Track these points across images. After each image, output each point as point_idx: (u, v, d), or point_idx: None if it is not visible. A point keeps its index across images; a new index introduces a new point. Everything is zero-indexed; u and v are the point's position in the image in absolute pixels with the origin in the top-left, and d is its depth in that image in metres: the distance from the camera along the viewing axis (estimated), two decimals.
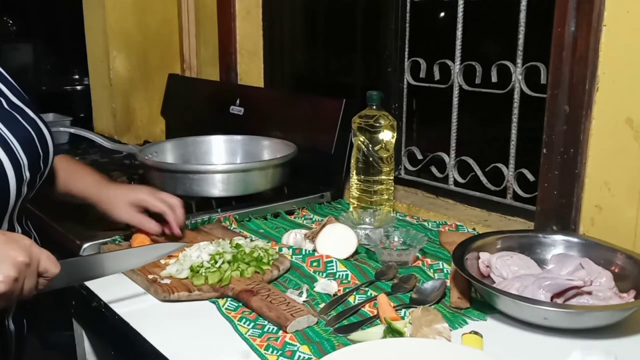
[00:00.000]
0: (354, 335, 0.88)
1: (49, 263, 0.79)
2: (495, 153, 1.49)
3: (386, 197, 1.37)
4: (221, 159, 1.65)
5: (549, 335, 0.90)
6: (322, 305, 0.98)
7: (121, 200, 1.14)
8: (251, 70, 2.01)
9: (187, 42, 2.14)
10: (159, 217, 1.17)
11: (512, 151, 1.43)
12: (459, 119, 1.55)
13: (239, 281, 1.03)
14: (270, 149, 1.59)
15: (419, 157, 1.65)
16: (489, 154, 1.53)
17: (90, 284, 1.06)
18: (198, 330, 0.92)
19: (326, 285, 1.03)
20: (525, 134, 1.42)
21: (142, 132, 2.15)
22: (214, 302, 1.00)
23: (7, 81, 1.02)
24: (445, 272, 1.12)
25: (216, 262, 1.05)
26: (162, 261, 1.10)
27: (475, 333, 0.88)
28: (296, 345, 0.86)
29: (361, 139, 1.35)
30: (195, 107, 2.01)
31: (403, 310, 0.96)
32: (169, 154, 1.59)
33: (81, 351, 1.13)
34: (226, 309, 0.97)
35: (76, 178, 1.16)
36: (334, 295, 1.02)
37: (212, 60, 2.08)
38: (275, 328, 0.91)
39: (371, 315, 0.95)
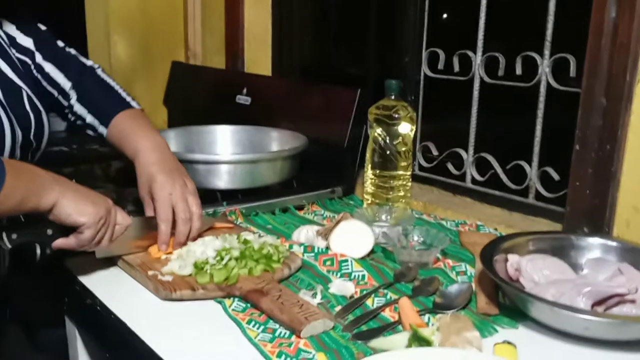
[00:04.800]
0: (375, 343, 0.80)
1: (122, 213, 0.95)
2: (518, 150, 1.41)
3: (402, 193, 1.29)
4: (227, 149, 1.56)
5: (589, 347, 0.81)
6: (338, 309, 0.90)
7: (145, 174, 1.05)
8: (259, 58, 1.92)
9: (192, 28, 2.05)
10: None
11: (536, 148, 1.35)
12: (479, 113, 1.47)
13: (247, 280, 0.94)
14: (278, 141, 1.51)
15: (435, 153, 1.57)
16: (511, 151, 1.44)
17: (84, 279, 0.98)
18: (202, 333, 0.84)
19: (342, 287, 0.95)
20: (550, 130, 1.34)
21: None
22: (219, 302, 0.91)
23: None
24: (469, 274, 1.04)
25: (222, 258, 0.97)
26: (163, 256, 1.02)
27: (509, 343, 0.79)
28: (311, 353, 0.78)
29: (378, 131, 1.27)
30: (200, 96, 1.93)
31: (427, 316, 0.88)
32: (171, 143, 1.50)
33: (73, 352, 1.05)
34: (233, 310, 0.89)
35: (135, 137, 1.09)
36: (351, 297, 0.94)
37: (217, 48, 1.99)
38: (288, 332, 0.83)
39: (392, 320, 0.87)
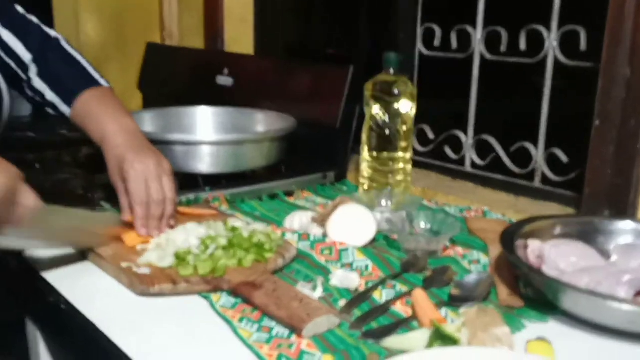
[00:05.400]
0: (389, 342, 0.69)
1: (28, 194, 0.77)
2: (522, 131, 1.31)
3: (402, 177, 1.18)
4: (208, 133, 1.43)
5: (632, 342, 0.71)
6: (342, 303, 0.79)
7: (115, 158, 0.93)
8: (240, 37, 1.79)
9: (168, 7, 1.91)
10: None
11: (543, 129, 1.25)
12: (480, 93, 1.36)
13: (236, 272, 0.82)
14: (265, 123, 1.39)
15: (431, 136, 1.47)
16: (514, 132, 1.35)
17: (47, 274, 0.85)
18: (186, 334, 0.72)
19: (345, 278, 0.83)
20: (557, 109, 1.24)
21: None
22: (205, 298, 0.79)
23: None
24: (483, 263, 0.93)
25: (207, 247, 0.85)
26: (139, 246, 0.89)
27: (543, 340, 0.69)
28: (316, 355, 0.67)
29: (375, 109, 1.15)
30: (177, 79, 1.79)
31: (443, 310, 0.77)
32: (147, 125, 1.38)
33: (35, 357, 0.91)
34: (221, 306, 0.77)
35: (101, 117, 0.97)
36: (355, 290, 0.82)
37: (196, 28, 1.86)
38: (287, 332, 0.71)
39: (406, 316, 0.76)
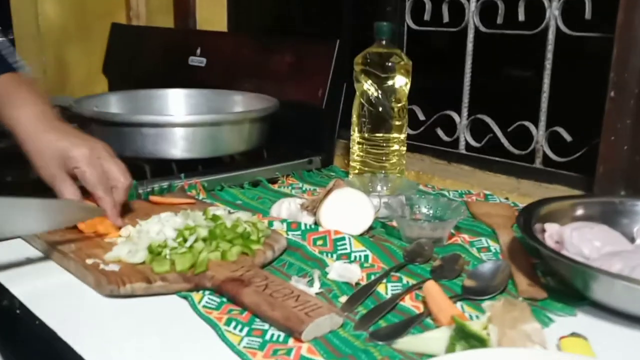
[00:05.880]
0: (402, 344, 0.59)
1: None
2: (520, 110, 1.23)
3: (396, 159, 1.08)
4: (182, 115, 1.31)
5: None
6: (342, 299, 0.69)
7: (48, 149, 0.81)
8: (213, 18, 1.68)
9: None
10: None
11: (544, 106, 1.16)
12: (474, 69, 1.27)
13: (219, 266, 0.72)
14: (243, 104, 1.28)
15: (421, 118, 1.37)
16: (512, 111, 1.26)
17: None
18: (163, 340, 0.61)
19: (344, 271, 0.73)
20: (559, 84, 1.16)
21: (80, 91, 1.77)
22: (185, 298, 0.68)
23: None
24: (494, 250, 0.84)
25: (186, 239, 0.74)
26: (107, 239, 0.78)
27: (578, 335, 0.60)
28: None
29: (367, 85, 1.05)
30: (146, 61, 1.67)
31: (459, 304, 0.68)
32: (113, 108, 1.25)
33: None
34: (204, 306, 0.66)
35: (14, 104, 0.83)
36: (357, 284, 0.72)
37: (164, 7, 1.74)
38: (283, 335, 0.61)
39: (417, 312, 0.66)
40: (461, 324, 0.56)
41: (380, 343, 0.60)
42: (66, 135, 0.83)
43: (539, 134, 1.17)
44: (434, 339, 0.58)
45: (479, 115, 1.26)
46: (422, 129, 1.37)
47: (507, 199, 1.08)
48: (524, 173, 1.17)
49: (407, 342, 0.59)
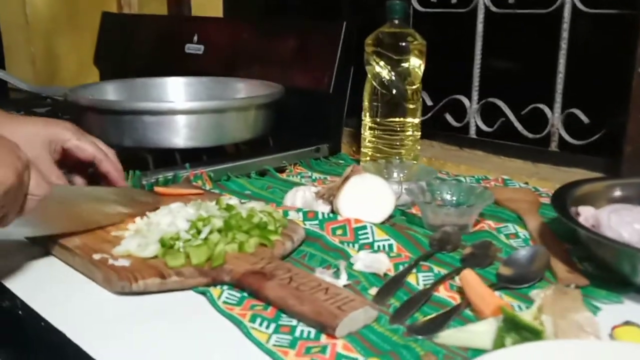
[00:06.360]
0: (444, 337, 0.54)
1: (38, 178, 0.60)
2: (534, 92, 1.18)
3: (411, 144, 1.04)
4: (183, 102, 1.25)
5: None
6: (372, 291, 0.64)
7: (33, 136, 0.75)
8: (207, 3, 1.61)
9: None
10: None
11: (559, 87, 1.12)
12: (484, 52, 1.23)
13: (238, 259, 0.67)
14: (247, 91, 1.22)
15: (429, 103, 1.33)
16: (525, 93, 1.22)
17: (0, 273, 0.67)
18: (180, 340, 0.56)
19: (371, 261, 0.69)
20: (575, 64, 1.11)
21: (71, 83, 1.70)
22: (203, 294, 0.63)
23: None
24: (523, 237, 0.80)
25: (200, 231, 0.69)
26: (114, 232, 0.72)
27: (633, 324, 0.56)
28: (358, 359, 0.52)
29: (378, 67, 1.00)
30: (139, 51, 1.60)
31: (497, 293, 0.63)
32: (110, 97, 1.20)
33: None
34: (225, 302, 0.61)
35: None
36: (385, 275, 0.68)
37: None
38: (313, 331, 0.56)
39: (454, 303, 0.62)
40: (511, 315, 0.52)
41: (420, 337, 0.55)
42: (33, 121, 0.79)
43: (555, 116, 1.13)
44: (480, 332, 0.54)
45: (490, 99, 1.22)
46: (429, 114, 1.32)
47: (526, 183, 1.03)
48: (538, 157, 1.13)
49: (450, 336, 0.55)
